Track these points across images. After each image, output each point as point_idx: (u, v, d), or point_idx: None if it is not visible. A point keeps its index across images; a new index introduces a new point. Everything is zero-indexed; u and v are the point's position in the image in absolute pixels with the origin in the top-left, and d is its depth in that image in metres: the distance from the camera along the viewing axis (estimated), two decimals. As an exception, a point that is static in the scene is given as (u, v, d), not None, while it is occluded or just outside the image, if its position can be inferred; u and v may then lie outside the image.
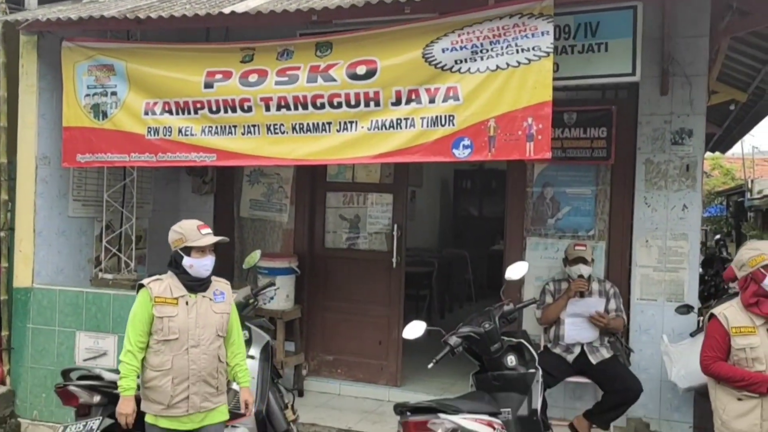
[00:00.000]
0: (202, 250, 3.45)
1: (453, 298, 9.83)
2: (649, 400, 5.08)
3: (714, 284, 8.19)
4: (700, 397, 5.01)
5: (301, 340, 6.24)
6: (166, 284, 3.46)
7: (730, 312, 3.34)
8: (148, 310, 3.40)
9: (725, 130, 10.11)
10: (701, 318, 5.02)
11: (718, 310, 3.39)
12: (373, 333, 6.20)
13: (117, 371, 3.56)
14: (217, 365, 3.50)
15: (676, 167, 5.17)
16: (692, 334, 4.85)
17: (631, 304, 5.26)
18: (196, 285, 3.48)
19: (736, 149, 20.60)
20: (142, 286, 3.49)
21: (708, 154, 19.54)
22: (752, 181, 19.79)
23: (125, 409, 3.37)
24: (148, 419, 3.43)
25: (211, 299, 3.52)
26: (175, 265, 3.50)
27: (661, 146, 5.21)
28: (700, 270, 9.34)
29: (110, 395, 3.74)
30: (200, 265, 3.45)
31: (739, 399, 3.28)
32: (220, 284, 3.63)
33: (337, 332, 6.34)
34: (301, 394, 6.00)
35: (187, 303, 3.44)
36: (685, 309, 4.91)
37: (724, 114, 8.79)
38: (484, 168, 11.19)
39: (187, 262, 3.43)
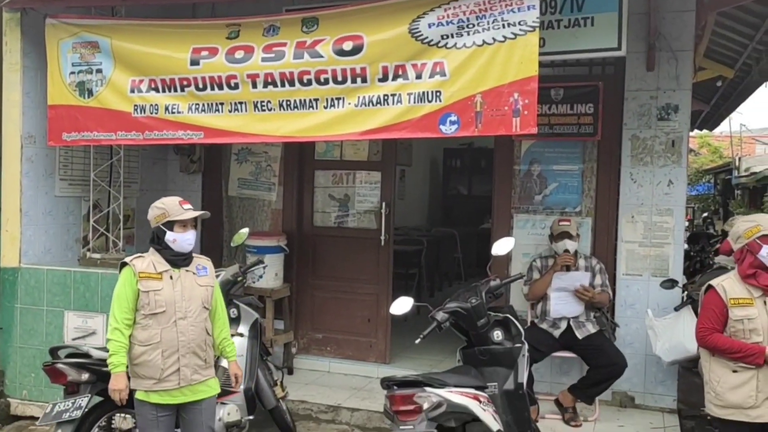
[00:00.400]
0: (184, 225, 3.48)
1: (442, 276, 9.88)
2: (634, 374, 5.15)
3: (699, 260, 8.27)
4: (684, 370, 5.09)
5: (291, 319, 6.26)
6: (148, 261, 3.49)
7: (728, 284, 3.34)
8: (132, 286, 3.41)
9: (713, 107, 10.14)
10: (685, 293, 5.07)
11: (716, 282, 3.37)
12: (362, 311, 6.24)
13: (106, 349, 3.56)
14: (205, 337, 3.53)
15: (661, 143, 5.20)
16: (677, 309, 4.91)
17: (616, 279, 5.31)
18: (179, 260, 3.52)
19: (724, 127, 20.72)
20: (124, 264, 3.51)
21: (696, 132, 19.69)
22: (740, 159, 19.89)
23: (118, 384, 3.38)
24: (139, 396, 3.44)
25: (194, 273, 3.55)
26: (157, 241, 3.53)
27: (647, 122, 5.23)
28: (687, 246, 9.47)
29: (99, 373, 3.75)
30: (183, 240, 3.48)
31: (735, 371, 3.27)
32: (201, 260, 3.67)
33: (327, 310, 6.37)
34: (290, 371, 6.04)
35: (171, 277, 3.47)
36: (670, 284, 4.96)
37: (712, 91, 8.82)
38: (473, 146, 11.19)
39: (170, 236, 3.46)
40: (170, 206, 3.51)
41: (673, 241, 5.20)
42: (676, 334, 4.72)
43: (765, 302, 3.28)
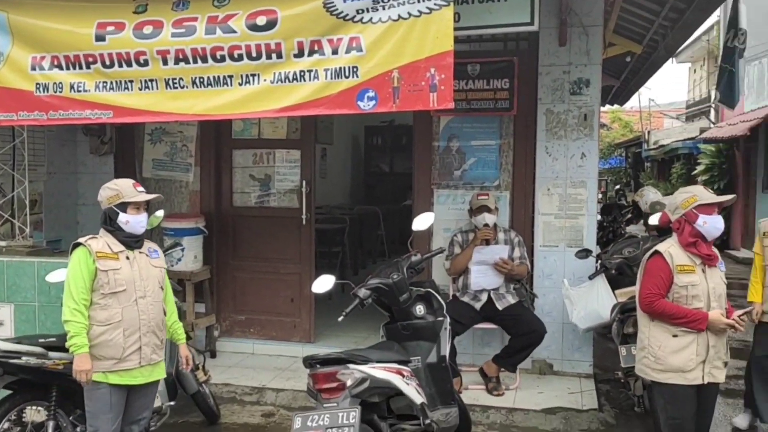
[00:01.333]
0: (137, 207, 3.47)
1: (366, 254, 9.90)
2: (552, 342, 5.32)
3: (612, 230, 8.59)
4: (600, 337, 5.30)
5: (212, 301, 6.14)
6: (102, 241, 3.44)
7: (674, 250, 3.41)
8: (89, 266, 3.35)
9: (623, 83, 10.50)
10: (599, 262, 5.25)
11: (662, 248, 3.44)
12: (286, 290, 6.18)
13: (14, 340, 3.39)
14: (162, 317, 3.56)
15: (574, 117, 5.34)
16: (591, 277, 5.08)
17: (534, 251, 5.45)
18: (132, 241, 3.50)
19: (634, 102, 21.53)
20: (78, 245, 3.42)
21: (608, 107, 20.44)
22: (649, 133, 20.76)
23: (84, 365, 3.27)
24: (96, 377, 3.34)
25: (147, 255, 3.56)
26: (109, 222, 3.48)
27: (560, 96, 5.36)
28: (600, 217, 9.81)
29: (6, 365, 3.58)
30: (136, 222, 3.46)
31: (675, 336, 3.35)
32: (150, 243, 3.68)
33: (249, 291, 6.27)
34: (213, 355, 5.94)
35: (128, 257, 3.46)
36: (584, 253, 5.13)
37: (622, 66, 9.12)
38: (395, 123, 11.21)
39: (123, 218, 3.43)
40: (124, 188, 3.49)
41: (586, 212, 5.37)
42: (590, 302, 4.89)
43: (704, 270, 3.40)
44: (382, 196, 11.27)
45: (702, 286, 3.37)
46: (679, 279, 3.36)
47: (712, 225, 3.37)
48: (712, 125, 16.14)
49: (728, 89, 8.87)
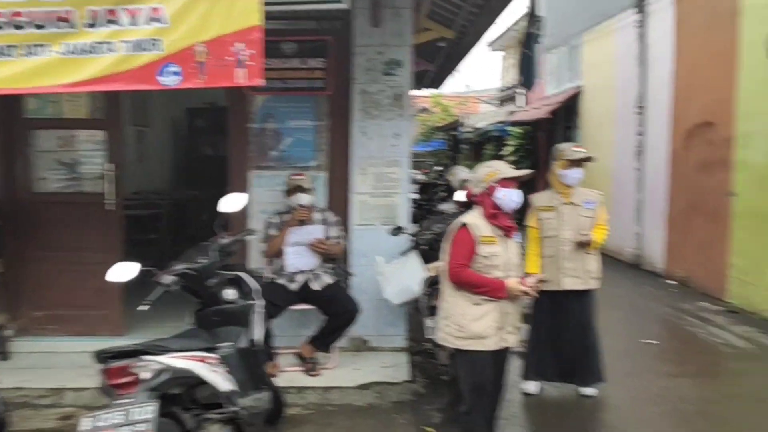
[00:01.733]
0: None
1: (188, 240, 9.47)
2: (368, 319, 5.38)
3: (428, 208, 8.90)
4: (414, 311, 5.46)
5: (6, 298, 5.54)
6: None
7: (478, 222, 3.55)
8: None
9: (439, 67, 10.89)
10: (415, 238, 5.38)
11: (468, 220, 3.56)
12: (92, 282, 5.68)
13: None
14: None
15: (387, 97, 5.42)
16: (403, 254, 5.20)
17: (350, 230, 5.48)
18: None
19: (454, 88, 22.53)
20: None
21: (432, 92, 21.12)
22: (466, 117, 21.84)
23: None
24: None
25: None
26: None
27: (374, 77, 5.41)
28: (419, 196, 10.13)
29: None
30: None
31: (476, 304, 3.49)
32: None
33: (51, 285, 5.73)
34: (5, 357, 5.37)
35: None
36: (397, 230, 5.24)
37: (437, 51, 9.44)
38: (217, 106, 10.79)
39: None
40: None
41: (400, 190, 5.48)
42: (403, 278, 4.99)
43: (505, 241, 3.58)
44: (206, 179, 10.83)
45: (502, 256, 3.55)
46: (482, 249, 3.52)
47: (510, 198, 3.56)
48: (518, 109, 17.32)
49: (527, 72, 9.58)
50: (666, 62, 9.42)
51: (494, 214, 3.56)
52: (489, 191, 3.57)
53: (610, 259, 10.98)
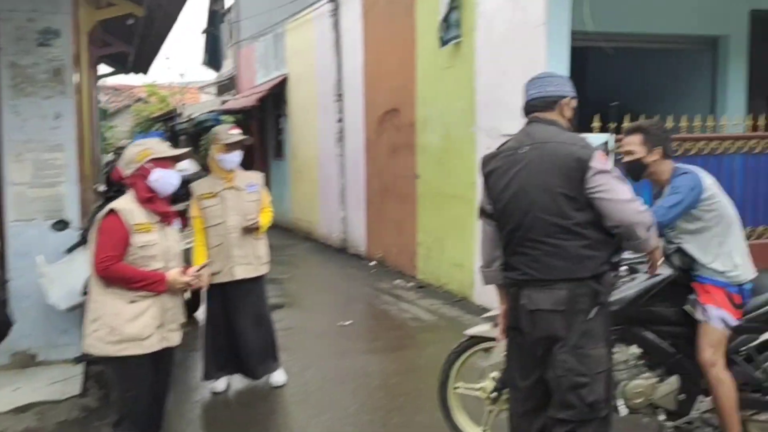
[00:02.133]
0: None
1: None
2: (33, 330, 4.70)
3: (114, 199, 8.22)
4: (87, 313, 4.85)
5: None
6: None
7: (131, 207, 3.10)
8: None
9: (137, 49, 10.08)
10: (83, 232, 4.78)
11: (118, 206, 3.09)
12: None
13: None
14: None
15: (44, 71, 4.75)
16: (69, 250, 4.60)
17: (6, 227, 4.70)
18: None
19: (172, 78, 21.43)
20: None
21: (147, 80, 19.90)
22: (182, 107, 20.93)
23: None
24: None
25: None
26: None
27: (26, 48, 4.70)
28: (105, 187, 9.29)
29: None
30: None
31: (132, 301, 3.07)
32: None
33: None
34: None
35: None
36: (61, 225, 4.65)
37: (130, 30, 8.69)
38: None
39: None
40: None
41: (66, 178, 4.83)
42: (71, 279, 4.40)
43: (163, 228, 3.20)
44: None
45: (160, 245, 3.18)
46: (136, 239, 3.11)
47: (166, 180, 3.21)
48: (231, 98, 17.00)
49: (212, 52, 9.17)
50: (357, 51, 9.77)
51: (149, 198, 3.18)
52: (142, 173, 3.18)
53: (319, 245, 11.25)
